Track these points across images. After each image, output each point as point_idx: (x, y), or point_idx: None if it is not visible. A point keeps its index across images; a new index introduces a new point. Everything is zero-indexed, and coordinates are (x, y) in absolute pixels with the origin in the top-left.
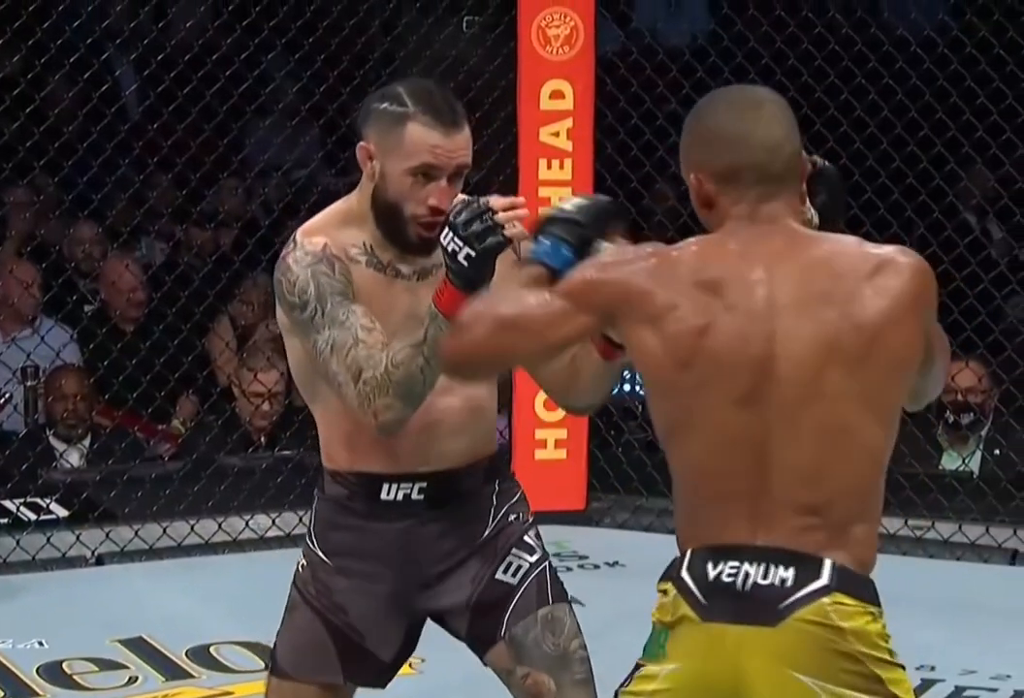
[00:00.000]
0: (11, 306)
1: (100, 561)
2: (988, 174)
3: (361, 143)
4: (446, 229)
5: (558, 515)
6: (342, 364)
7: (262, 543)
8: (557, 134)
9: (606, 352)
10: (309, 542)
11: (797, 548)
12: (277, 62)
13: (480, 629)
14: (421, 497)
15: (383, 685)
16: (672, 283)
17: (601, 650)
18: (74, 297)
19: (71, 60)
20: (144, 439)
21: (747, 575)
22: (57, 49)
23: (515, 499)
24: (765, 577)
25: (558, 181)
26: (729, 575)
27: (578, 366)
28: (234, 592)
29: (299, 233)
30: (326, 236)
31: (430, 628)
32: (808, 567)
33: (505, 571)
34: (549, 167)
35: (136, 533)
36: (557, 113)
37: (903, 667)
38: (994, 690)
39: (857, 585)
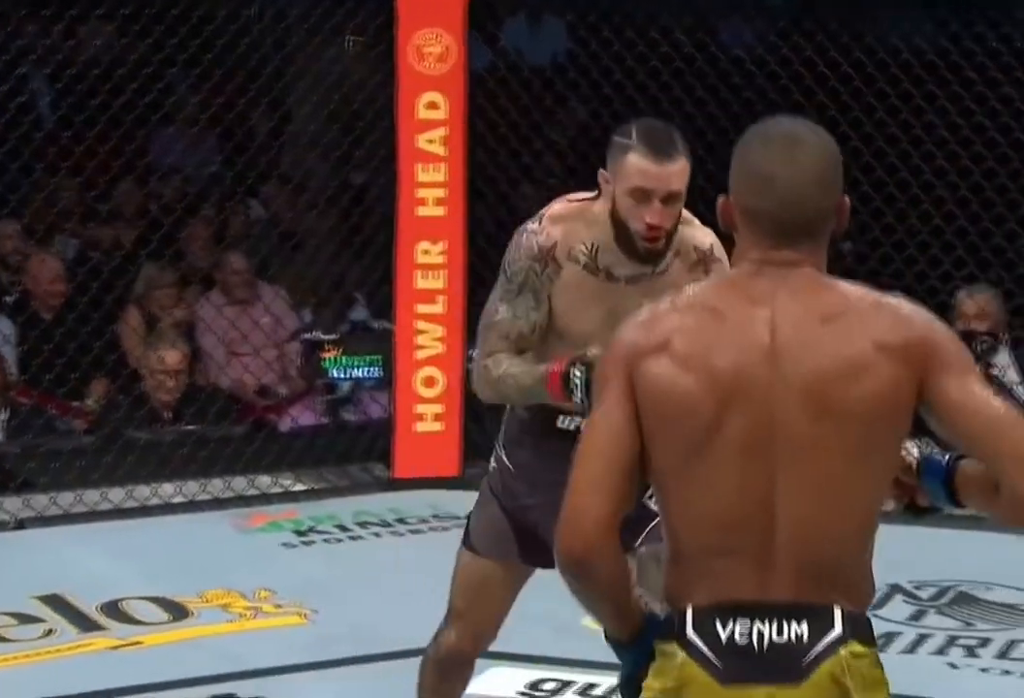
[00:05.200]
0: None
1: (21, 526)
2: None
3: (601, 170)
4: (575, 367)
5: (436, 480)
6: (488, 340)
7: (168, 509)
8: (432, 141)
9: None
10: (498, 450)
11: (806, 600)
12: (179, 76)
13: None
14: None
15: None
16: (686, 331)
17: None
18: None
19: None
20: (59, 416)
21: (761, 634)
22: None
23: None
24: (780, 634)
25: (434, 182)
26: (742, 635)
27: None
28: (142, 553)
29: (547, 215)
30: (564, 229)
31: (321, 583)
32: (821, 618)
33: (650, 498)
34: (426, 170)
35: (53, 500)
36: (433, 122)
37: None
38: None
39: (864, 628)
